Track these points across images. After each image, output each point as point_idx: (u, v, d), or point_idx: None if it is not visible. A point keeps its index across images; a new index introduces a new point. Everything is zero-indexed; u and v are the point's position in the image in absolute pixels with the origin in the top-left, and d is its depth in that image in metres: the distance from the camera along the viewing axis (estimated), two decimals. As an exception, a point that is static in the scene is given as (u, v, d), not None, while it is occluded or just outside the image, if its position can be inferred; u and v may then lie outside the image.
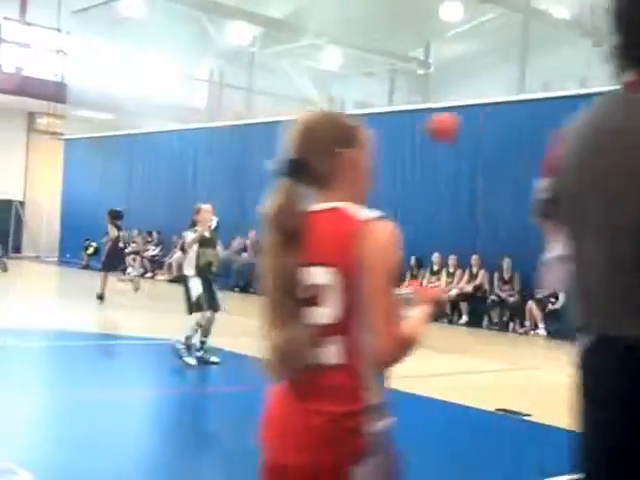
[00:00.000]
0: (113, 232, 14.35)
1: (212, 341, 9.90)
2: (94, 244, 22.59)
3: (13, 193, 26.67)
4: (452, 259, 14.92)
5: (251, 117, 23.42)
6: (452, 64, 25.49)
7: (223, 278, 18.46)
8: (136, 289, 14.28)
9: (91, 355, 9.09)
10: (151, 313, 13.77)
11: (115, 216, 14.61)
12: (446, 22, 23.69)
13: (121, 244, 14.51)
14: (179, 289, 18.67)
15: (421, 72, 28.50)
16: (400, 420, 2.11)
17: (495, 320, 14.07)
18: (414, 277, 15.38)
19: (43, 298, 16.42)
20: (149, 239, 21.53)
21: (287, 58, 26.57)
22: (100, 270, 14.31)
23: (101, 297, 13.79)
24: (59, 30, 26.49)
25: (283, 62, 26.57)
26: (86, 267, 22.44)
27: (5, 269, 19.07)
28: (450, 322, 14.54)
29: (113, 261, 14.19)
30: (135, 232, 21.91)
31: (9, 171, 26.74)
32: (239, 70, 28.43)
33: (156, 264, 20.97)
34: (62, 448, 5.30)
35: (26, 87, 24.82)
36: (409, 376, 8.30)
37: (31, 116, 27.26)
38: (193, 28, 27.82)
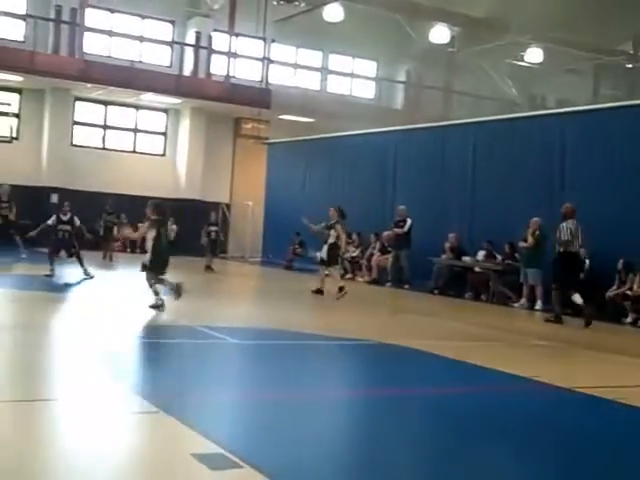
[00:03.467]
0: None
1: (411, 343, 9.95)
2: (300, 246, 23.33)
3: (220, 196, 28.00)
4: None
5: (449, 118, 23.25)
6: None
7: (421, 280, 18.52)
8: None
9: (304, 354, 9.33)
10: (355, 314, 13.99)
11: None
12: (658, 12, 22.38)
13: None
14: (380, 290, 18.92)
15: (629, 66, 27.12)
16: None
17: None
18: (622, 282, 14.68)
19: (249, 298, 17.10)
20: (349, 240, 21.83)
21: (486, 57, 26.13)
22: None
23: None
24: (264, 39, 27.52)
25: (482, 61, 26.15)
26: (289, 267, 23.16)
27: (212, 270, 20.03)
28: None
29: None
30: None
31: (217, 175, 28.13)
32: (437, 70, 28.31)
33: (356, 265, 21.25)
34: (285, 445, 5.43)
35: (233, 94, 26.01)
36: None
37: (237, 122, 28.49)
38: (391, 30, 28.07)
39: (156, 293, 11.54)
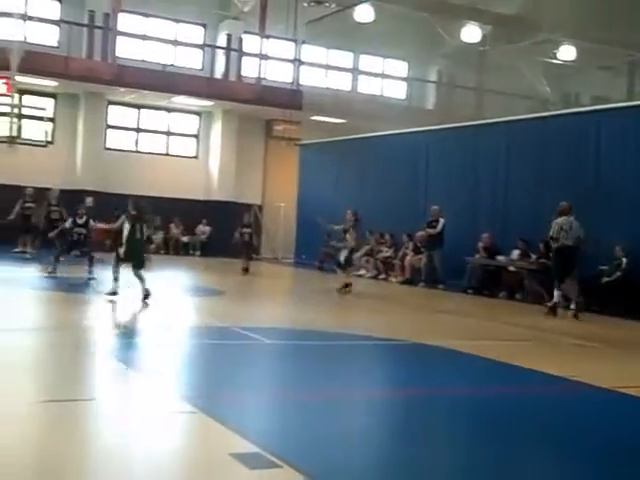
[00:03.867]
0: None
1: (446, 343, 9.92)
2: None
3: (252, 197, 28.09)
4: None
5: (481, 117, 23.12)
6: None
7: (455, 280, 18.45)
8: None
9: (340, 354, 9.33)
10: (389, 315, 13.99)
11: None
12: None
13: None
14: (413, 290, 18.88)
15: (664, 62, 26.82)
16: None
17: None
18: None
19: (283, 299, 17.14)
20: (382, 240, 21.84)
21: (518, 55, 25.97)
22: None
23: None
24: (295, 40, 27.57)
25: (514, 59, 25.99)
26: (321, 268, 23.16)
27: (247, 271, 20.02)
28: None
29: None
30: (367, 233, 22.29)
31: (249, 177, 28.23)
32: (468, 70, 28.19)
33: (389, 265, 21.22)
34: (323, 444, 5.43)
35: (265, 96, 26.10)
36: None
37: (268, 123, 28.56)
38: (422, 30, 28.02)
39: (116, 280, 12.45)
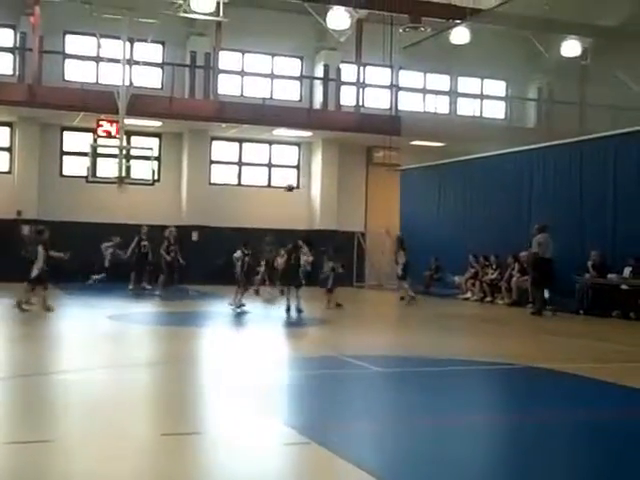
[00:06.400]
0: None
1: (560, 366, 9.69)
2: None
3: (355, 225, 28.16)
4: None
5: (586, 133, 22.58)
6: None
7: (564, 300, 17.99)
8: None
9: (449, 380, 9.20)
10: (498, 338, 13.76)
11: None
12: None
13: None
14: (522, 312, 18.51)
15: None
16: None
17: None
18: None
19: (389, 325, 17.08)
20: (486, 263, 21.55)
21: (622, 67, 25.30)
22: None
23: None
24: (391, 67, 27.65)
25: (618, 71, 25.33)
26: (427, 293, 22.99)
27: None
28: None
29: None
30: (471, 258, 22.05)
31: (351, 204, 28.32)
32: (570, 85, 27.63)
33: (495, 288, 20.90)
34: (441, 475, 5.38)
35: (364, 124, 26.22)
36: None
37: (369, 150, 28.65)
38: (519, 48, 27.69)
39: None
